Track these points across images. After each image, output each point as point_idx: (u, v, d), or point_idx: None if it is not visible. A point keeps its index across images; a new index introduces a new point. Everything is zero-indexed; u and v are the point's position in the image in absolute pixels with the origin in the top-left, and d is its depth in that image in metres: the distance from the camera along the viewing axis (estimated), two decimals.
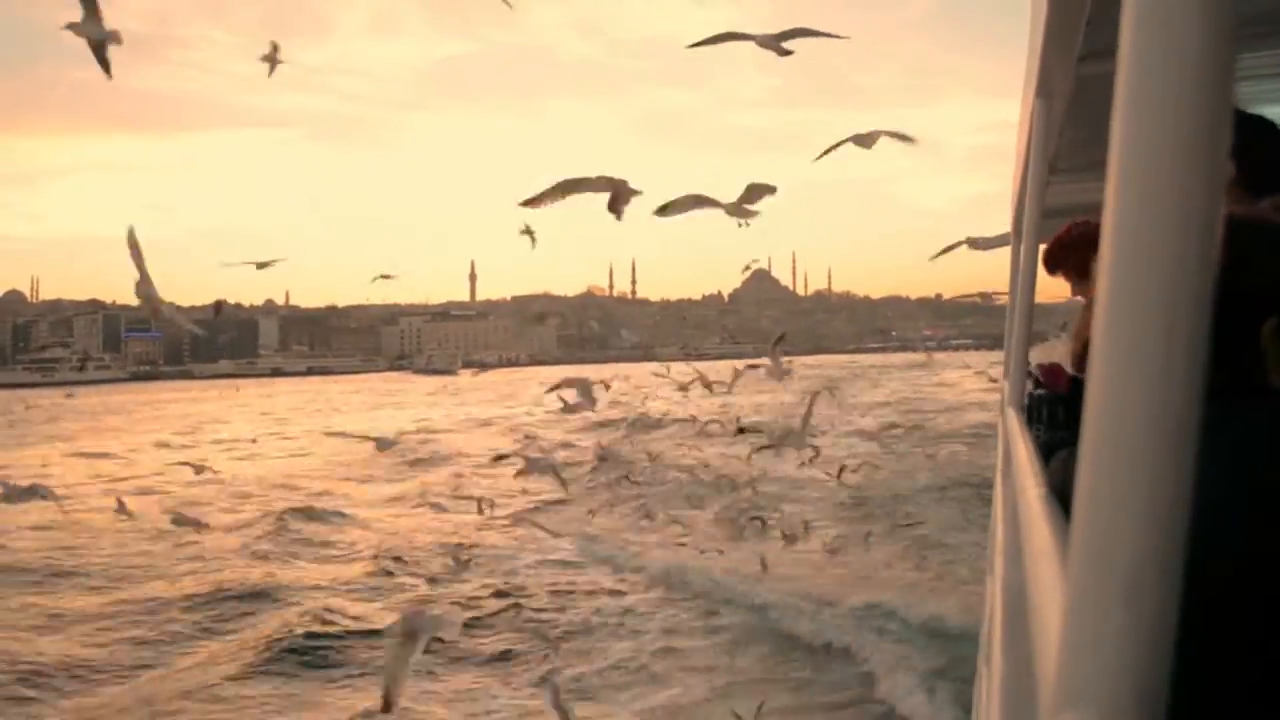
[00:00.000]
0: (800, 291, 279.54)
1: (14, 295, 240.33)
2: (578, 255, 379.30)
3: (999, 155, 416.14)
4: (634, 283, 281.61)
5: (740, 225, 7.06)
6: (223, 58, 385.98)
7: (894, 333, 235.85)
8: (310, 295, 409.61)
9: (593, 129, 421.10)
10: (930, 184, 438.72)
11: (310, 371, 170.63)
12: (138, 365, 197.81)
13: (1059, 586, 0.93)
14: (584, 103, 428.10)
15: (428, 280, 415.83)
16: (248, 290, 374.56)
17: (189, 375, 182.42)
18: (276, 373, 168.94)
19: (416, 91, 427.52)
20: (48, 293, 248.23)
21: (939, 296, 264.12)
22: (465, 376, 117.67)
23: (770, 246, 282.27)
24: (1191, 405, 0.63)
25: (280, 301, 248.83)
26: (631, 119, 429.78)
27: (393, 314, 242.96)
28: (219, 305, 72.46)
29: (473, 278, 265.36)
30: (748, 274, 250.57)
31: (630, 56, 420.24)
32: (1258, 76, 4.52)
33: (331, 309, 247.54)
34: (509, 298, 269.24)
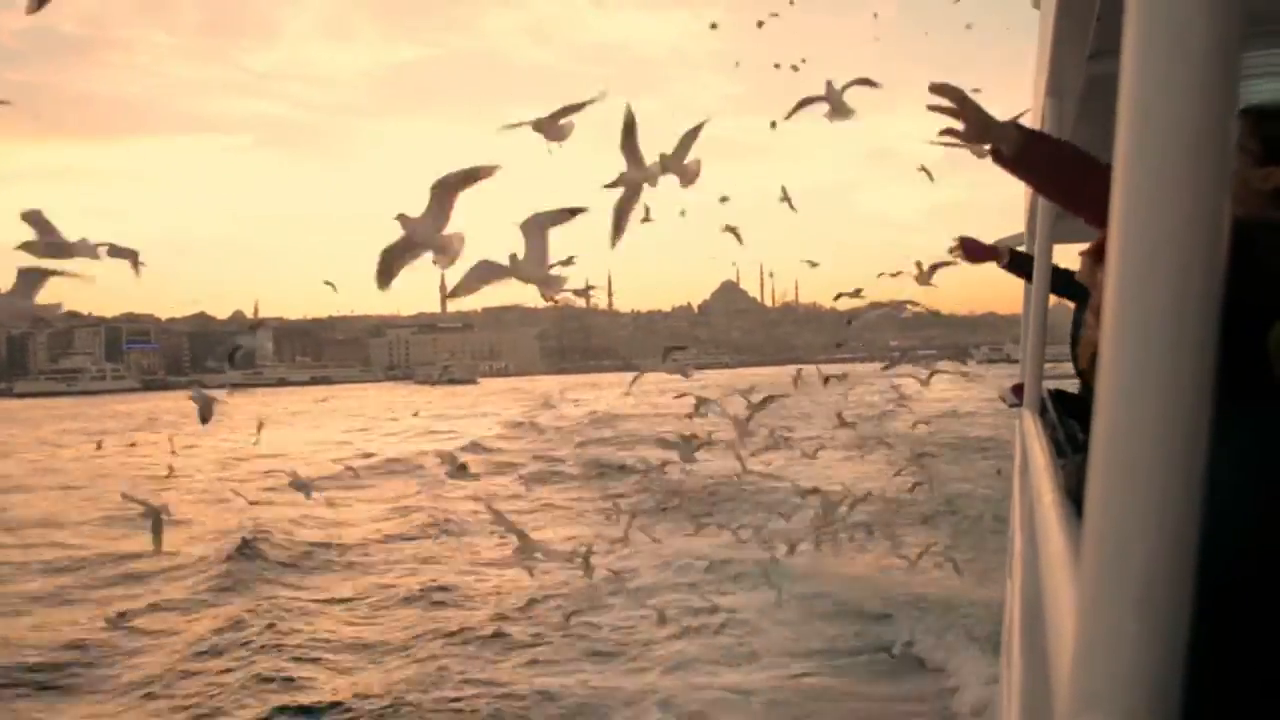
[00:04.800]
0: (768, 303, 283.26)
1: None
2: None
3: (964, 163, 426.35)
4: (610, 295, 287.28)
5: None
6: (165, 60, 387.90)
7: (860, 342, 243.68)
8: (277, 306, 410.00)
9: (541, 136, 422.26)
10: (893, 193, 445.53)
11: (313, 381, 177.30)
12: (143, 375, 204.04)
13: (1072, 592, 0.98)
14: (539, 109, 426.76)
15: (397, 291, 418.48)
16: (217, 302, 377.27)
17: (198, 384, 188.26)
18: (282, 382, 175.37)
19: (369, 97, 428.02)
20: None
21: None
22: (485, 384, 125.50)
23: (738, 257, 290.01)
24: (1201, 409, 0.62)
25: (249, 313, 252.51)
26: (588, 125, 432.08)
27: (379, 326, 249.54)
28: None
29: (443, 289, 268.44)
30: (718, 288, 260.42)
31: (585, 62, 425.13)
32: (1268, 74, 4.44)
33: (318, 321, 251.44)
34: (479, 309, 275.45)
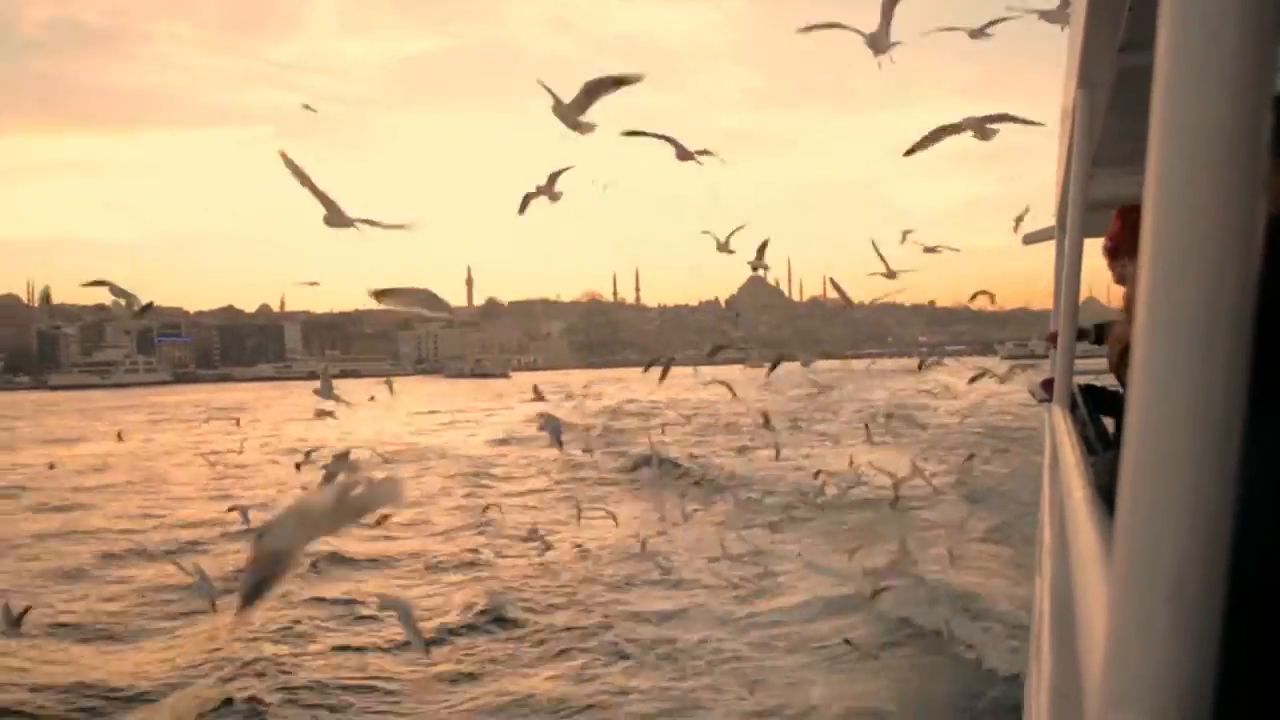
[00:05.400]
0: (796, 297, 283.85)
1: (11, 299, 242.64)
2: (573, 260, 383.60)
3: (988, 157, 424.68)
4: (638, 289, 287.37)
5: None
6: (187, 52, 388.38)
7: (890, 339, 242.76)
8: (304, 299, 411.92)
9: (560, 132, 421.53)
10: (914, 188, 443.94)
11: (343, 374, 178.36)
12: (174, 368, 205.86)
13: (1103, 589, 0.97)
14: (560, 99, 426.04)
15: (422, 285, 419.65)
16: (243, 295, 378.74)
17: (228, 378, 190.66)
18: (312, 375, 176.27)
19: (388, 89, 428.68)
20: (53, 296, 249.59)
21: (932, 303, 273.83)
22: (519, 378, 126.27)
23: (774, 249, 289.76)
24: (1234, 407, 0.61)
25: (275, 306, 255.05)
26: (608, 118, 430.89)
27: (407, 319, 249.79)
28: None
29: (469, 283, 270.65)
30: (745, 281, 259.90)
31: (605, 54, 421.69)
32: None
33: (346, 315, 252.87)
34: (506, 303, 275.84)
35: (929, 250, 10.67)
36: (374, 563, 17.81)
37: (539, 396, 14.74)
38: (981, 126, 6.46)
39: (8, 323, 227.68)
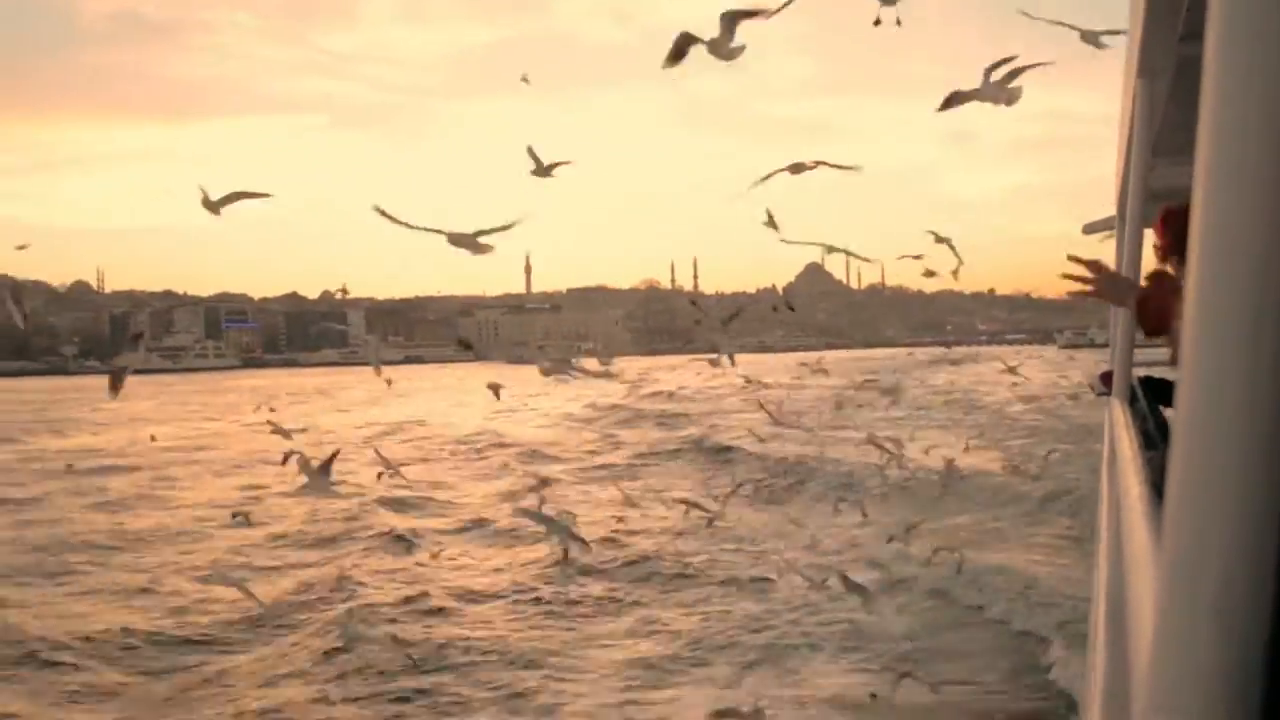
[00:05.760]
0: (854, 285, 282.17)
1: (81, 286, 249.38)
2: (630, 248, 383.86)
3: (1042, 145, 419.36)
4: (696, 277, 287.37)
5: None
6: (246, 42, 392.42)
7: (949, 327, 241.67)
8: (366, 286, 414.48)
9: (626, 117, 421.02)
10: (971, 176, 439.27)
11: (407, 360, 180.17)
12: (242, 353, 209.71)
13: (1152, 591, 0.92)
14: (617, 90, 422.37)
15: (481, 272, 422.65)
16: (306, 282, 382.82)
17: (294, 363, 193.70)
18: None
19: (446, 79, 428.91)
20: (114, 283, 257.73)
21: (991, 291, 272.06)
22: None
23: (823, 239, 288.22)
24: None
25: (336, 293, 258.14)
26: (665, 106, 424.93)
27: (468, 306, 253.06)
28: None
29: (528, 270, 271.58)
30: (802, 270, 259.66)
31: (661, 42, 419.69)
32: None
33: (408, 301, 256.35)
34: (564, 290, 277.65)
35: (940, 241, 10.89)
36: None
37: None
38: (1002, 87, 6.14)
39: (79, 308, 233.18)
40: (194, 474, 31.27)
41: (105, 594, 16.40)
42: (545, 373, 9.82)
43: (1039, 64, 6.28)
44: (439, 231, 5.97)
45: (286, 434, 16.16)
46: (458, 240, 5.90)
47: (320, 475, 10.12)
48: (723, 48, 5.79)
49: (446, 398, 71.30)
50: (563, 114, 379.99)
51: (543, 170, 6.72)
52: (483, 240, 5.96)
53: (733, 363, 16.10)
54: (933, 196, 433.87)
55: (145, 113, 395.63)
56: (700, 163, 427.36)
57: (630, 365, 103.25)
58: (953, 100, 6.31)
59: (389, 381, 12.75)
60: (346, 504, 21.55)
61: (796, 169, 7.54)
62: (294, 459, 11.19)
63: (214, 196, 7.10)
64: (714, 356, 16.04)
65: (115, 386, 10.88)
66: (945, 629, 13.08)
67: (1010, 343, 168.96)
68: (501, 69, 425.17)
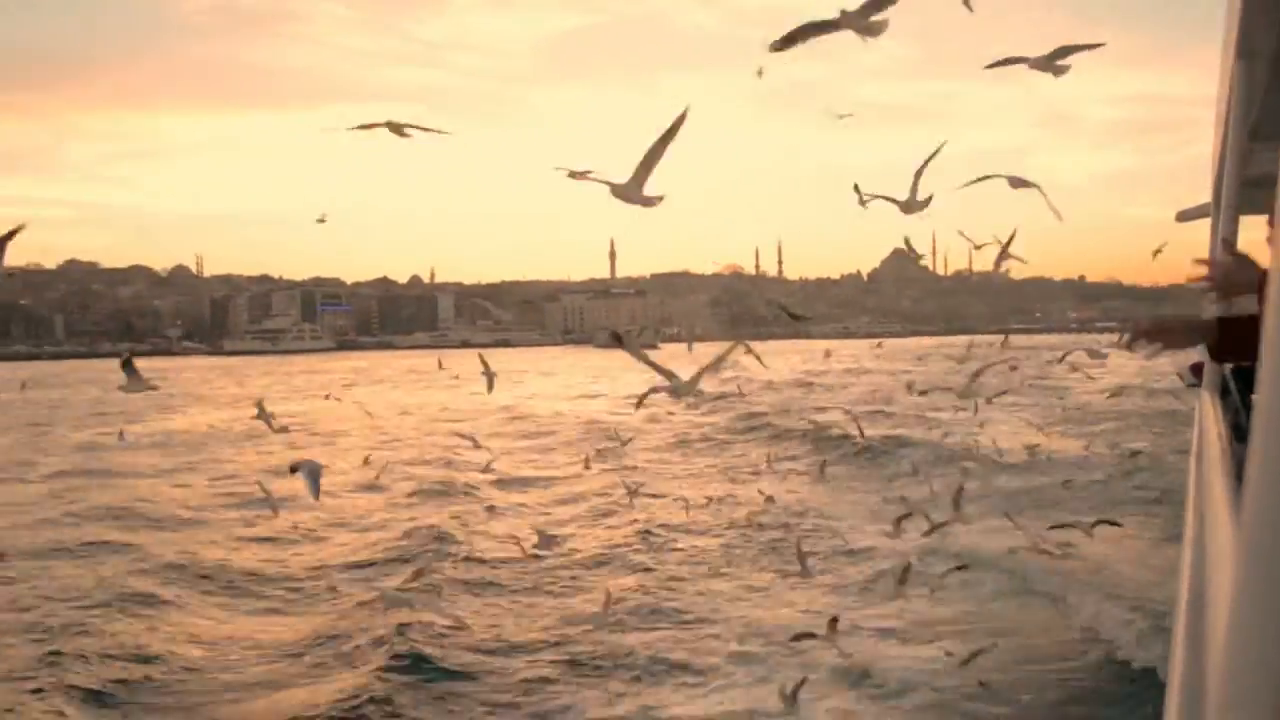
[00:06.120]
0: (940, 271, 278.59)
1: (181, 270, 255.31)
2: (715, 233, 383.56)
3: (1139, 129, 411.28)
4: (780, 262, 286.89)
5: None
6: (340, 32, 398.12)
7: (1037, 314, 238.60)
8: (454, 271, 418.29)
9: (713, 102, 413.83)
10: (1064, 159, 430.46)
11: (495, 344, 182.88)
12: (337, 336, 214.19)
13: (1231, 584, 0.88)
14: (704, 75, 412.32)
15: (566, 257, 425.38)
16: (396, 266, 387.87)
17: (388, 345, 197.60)
18: (465, 344, 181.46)
19: (533, 66, 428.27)
20: (212, 268, 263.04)
21: (1082, 278, 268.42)
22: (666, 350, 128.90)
23: (908, 225, 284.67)
24: None
25: (426, 278, 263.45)
26: (753, 92, 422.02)
27: (554, 291, 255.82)
28: None
29: (612, 255, 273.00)
30: (889, 255, 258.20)
31: (748, 25, 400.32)
32: None
33: (495, 286, 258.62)
34: (648, 275, 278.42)
35: (978, 248, 10.50)
36: None
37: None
38: (1051, 64, 6.05)
39: (180, 292, 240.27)
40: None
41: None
42: (676, 394, 7.67)
43: (1093, 45, 6.05)
44: (606, 183, 5.62)
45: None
46: (623, 192, 5.55)
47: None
48: (861, 21, 5.51)
49: (557, 381, 73.41)
50: (649, 99, 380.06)
51: (578, 175, 6.38)
52: (876, 18, 5.38)
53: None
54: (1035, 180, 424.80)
55: (243, 102, 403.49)
56: (786, 147, 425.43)
57: (714, 350, 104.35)
58: (1003, 62, 6.38)
59: (489, 375, 13.81)
60: None
61: (1017, 183, 7.17)
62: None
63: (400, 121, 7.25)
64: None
65: (132, 374, 11.23)
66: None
67: (1100, 330, 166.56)
68: (589, 54, 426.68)
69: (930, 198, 6.17)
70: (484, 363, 14.26)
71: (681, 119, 5.31)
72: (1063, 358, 23.98)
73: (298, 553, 17.74)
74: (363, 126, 6.44)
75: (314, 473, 10.25)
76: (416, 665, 11.64)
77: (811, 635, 10.84)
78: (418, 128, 6.28)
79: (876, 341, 41.41)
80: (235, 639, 13.10)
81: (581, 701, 10.84)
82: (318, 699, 10.85)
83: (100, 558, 17.35)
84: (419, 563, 15.71)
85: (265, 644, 12.90)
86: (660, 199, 5.67)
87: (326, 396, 43.68)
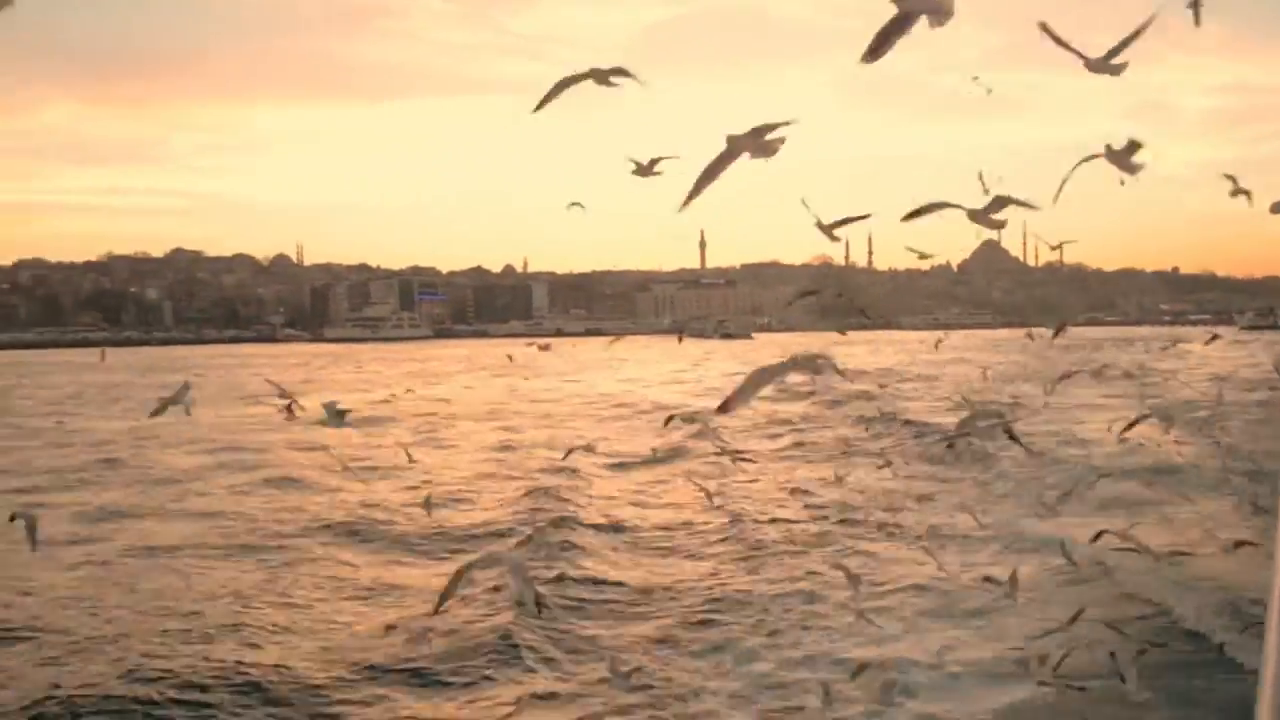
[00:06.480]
0: (1031, 263, 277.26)
1: (282, 259, 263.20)
2: (804, 223, 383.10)
3: (1235, 118, 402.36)
4: (870, 253, 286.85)
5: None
6: (436, 26, 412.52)
7: (1128, 306, 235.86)
8: (547, 260, 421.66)
9: (803, 93, 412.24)
10: (1161, 150, 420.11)
11: (588, 333, 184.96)
12: (433, 324, 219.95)
13: None
14: (795, 65, 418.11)
15: (657, 247, 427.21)
16: (490, 255, 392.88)
17: (484, 334, 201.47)
18: (559, 333, 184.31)
19: (626, 57, 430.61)
20: (312, 256, 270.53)
21: (1175, 270, 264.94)
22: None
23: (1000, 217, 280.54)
24: None
25: (519, 267, 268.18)
26: (843, 81, 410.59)
27: (645, 281, 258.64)
28: None
29: (702, 245, 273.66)
30: (979, 243, 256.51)
31: (842, 16, 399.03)
32: None
33: (587, 275, 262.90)
34: (738, 265, 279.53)
35: (1055, 249, 10.82)
36: None
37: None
38: (1107, 65, 5.44)
39: (281, 280, 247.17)
40: None
41: None
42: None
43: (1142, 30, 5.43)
44: (732, 134, 5.28)
45: None
46: (737, 144, 5.31)
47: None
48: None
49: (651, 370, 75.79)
50: (742, 89, 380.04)
51: (644, 170, 6.20)
52: (770, 138, 5.29)
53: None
54: (1116, 171, 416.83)
55: (341, 95, 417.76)
56: (875, 136, 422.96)
57: (806, 341, 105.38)
58: (1059, 41, 5.66)
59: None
60: None
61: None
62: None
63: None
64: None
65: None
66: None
67: (1194, 323, 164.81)
68: (682, 44, 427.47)
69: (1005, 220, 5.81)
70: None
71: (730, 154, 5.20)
72: (1170, 345, 23.73)
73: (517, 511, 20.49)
74: (569, 80, 5.67)
75: (31, 523, 9.96)
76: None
77: (992, 581, 11.70)
78: (623, 73, 5.62)
79: (937, 337, 41.40)
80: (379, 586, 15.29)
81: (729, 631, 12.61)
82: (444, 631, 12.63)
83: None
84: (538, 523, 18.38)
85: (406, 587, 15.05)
86: (776, 149, 5.31)
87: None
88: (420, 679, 11.24)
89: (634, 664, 11.09)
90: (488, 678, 11.25)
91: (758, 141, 5.13)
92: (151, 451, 30.75)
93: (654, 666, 11.39)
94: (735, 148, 5.04)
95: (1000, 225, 5.83)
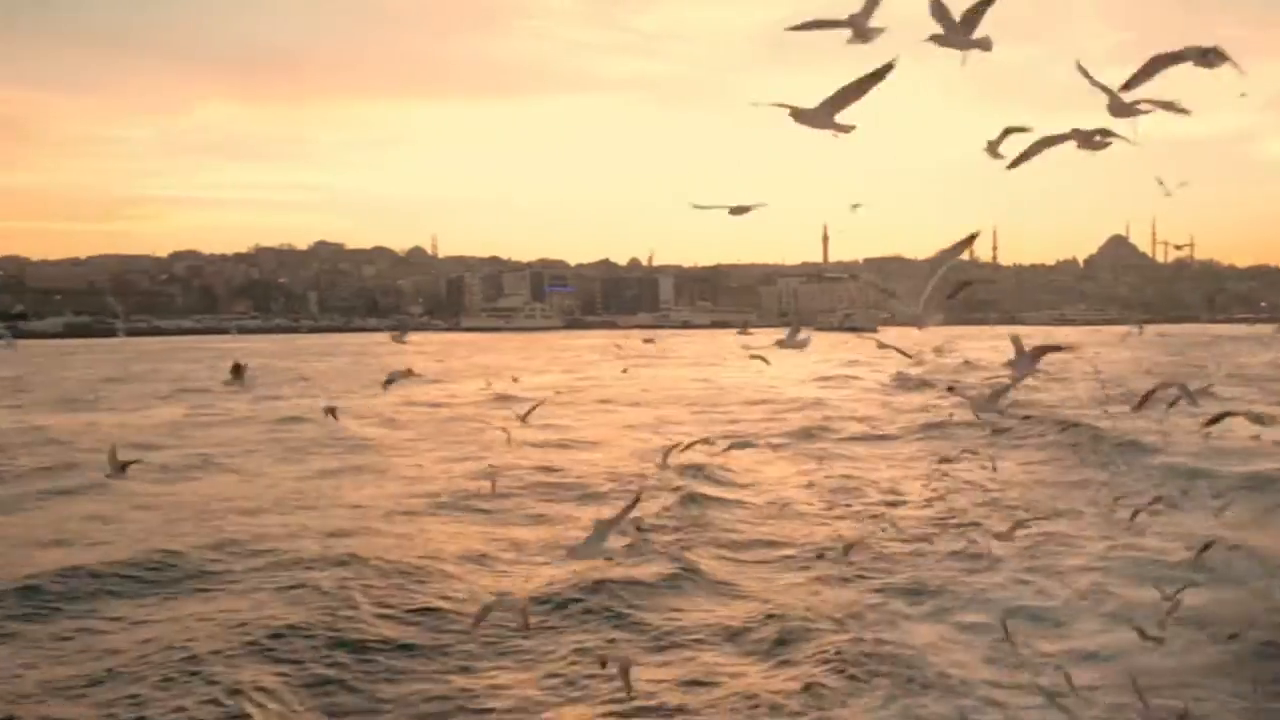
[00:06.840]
0: (1160, 259, 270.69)
1: (417, 251, 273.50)
2: (927, 218, 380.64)
3: None
4: (995, 249, 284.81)
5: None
6: (560, 24, 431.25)
7: (1263, 304, 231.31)
8: (672, 254, 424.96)
9: (925, 88, 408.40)
10: None
11: (713, 325, 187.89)
12: (564, 315, 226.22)
13: None
14: (918, 60, 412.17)
15: (780, 241, 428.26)
16: (617, 249, 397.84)
17: (612, 325, 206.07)
18: (685, 325, 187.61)
19: (747, 54, 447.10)
20: (446, 249, 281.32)
21: None
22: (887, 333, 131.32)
23: (1128, 212, 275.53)
24: None
25: (644, 261, 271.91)
26: (964, 77, 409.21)
27: (769, 274, 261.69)
28: None
29: (825, 240, 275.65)
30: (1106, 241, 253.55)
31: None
32: None
33: (714, 269, 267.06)
34: (860, 259, 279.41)
35: (1178, 249, 11.70)
36: None
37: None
38: (1171, 106, 5.74)
39: (417, 271, 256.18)
40: None
41: None
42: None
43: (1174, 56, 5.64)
44: (784, 106, 5.33)
45: None
46: (809, 117, 5.29)
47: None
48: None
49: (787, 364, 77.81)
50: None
51: (739, 210, 6.35)
52: (840, 120, 5.29)
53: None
54: (1250, 164, 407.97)
55: (473, 91, 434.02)
56: (996, 131, 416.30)
57: (931, 335, 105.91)
58: (1091, 80, 5.76)
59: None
60: None
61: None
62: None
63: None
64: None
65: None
66: None
67: None
68: (802, 41, 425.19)
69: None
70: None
71: (889, 66, 5.20)
72: None
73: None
74: (1040, 143, 5.58)
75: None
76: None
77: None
78: (1112, 135, 5.43)
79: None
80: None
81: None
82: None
83: None
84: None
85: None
86: (852, 127, 5.40)
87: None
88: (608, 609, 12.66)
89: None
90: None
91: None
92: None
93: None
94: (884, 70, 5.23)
95: (1101, 145, 5.66)
